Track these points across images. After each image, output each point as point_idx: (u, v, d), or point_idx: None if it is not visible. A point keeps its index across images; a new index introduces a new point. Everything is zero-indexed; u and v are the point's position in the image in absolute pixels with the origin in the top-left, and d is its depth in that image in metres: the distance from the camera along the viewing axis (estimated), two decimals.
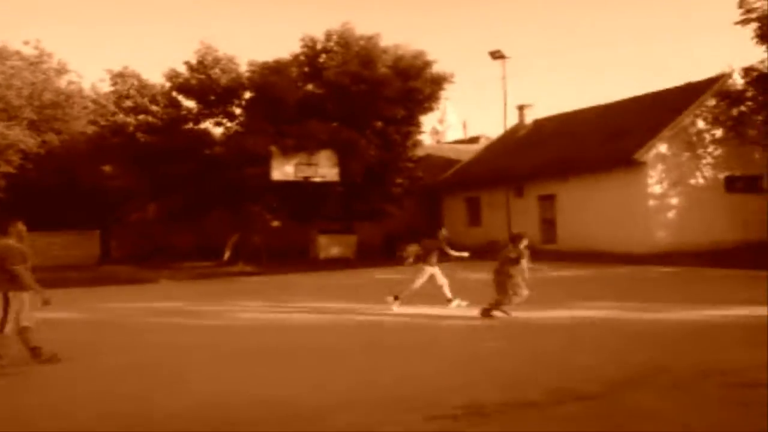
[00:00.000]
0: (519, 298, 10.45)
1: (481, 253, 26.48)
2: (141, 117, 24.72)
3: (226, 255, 24.55)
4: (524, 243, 10.95)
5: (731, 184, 24.15)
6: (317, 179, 24.12)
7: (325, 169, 24.11)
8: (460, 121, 66.34)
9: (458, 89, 71.95)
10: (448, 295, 11.90)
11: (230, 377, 6.98)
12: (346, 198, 25.90)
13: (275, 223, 24.72)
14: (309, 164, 23.91)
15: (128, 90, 25.45)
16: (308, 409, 5.63)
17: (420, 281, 12.00)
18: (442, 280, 12.05)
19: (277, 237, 25.19)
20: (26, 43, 30.42)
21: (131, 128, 24.44)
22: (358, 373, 7.03)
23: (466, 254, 12.59)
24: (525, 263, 10.82)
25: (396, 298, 11.80)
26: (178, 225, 26.04)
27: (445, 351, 8.19)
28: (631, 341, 8.27)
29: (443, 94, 27.53)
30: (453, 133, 63.06)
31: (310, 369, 7.29)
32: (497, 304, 10.53)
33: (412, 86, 25.60)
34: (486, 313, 10.55)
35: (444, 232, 13.01)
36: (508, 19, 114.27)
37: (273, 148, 23.25)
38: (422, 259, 12.27)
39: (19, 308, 7.22)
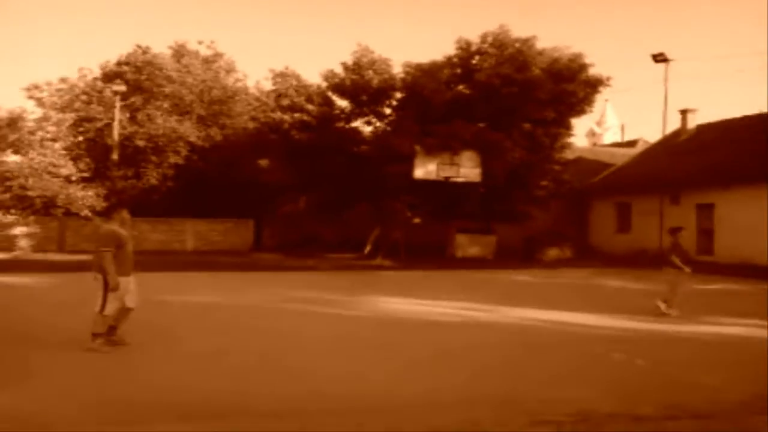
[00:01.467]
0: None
1: (629, 261, 25.52)
2: (297, 115, 25.98)
3: (367, 248, 25.37)
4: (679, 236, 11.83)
5: None
6: (459, 179, 24.20)
7: (467, 169, 24.14)
8: (619, 123, 63.56)
9: (619, 92, 68.78)
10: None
11: (335, 368, 7.22)
12: (487, 198, 25.75)
13: (416, 220, 25.09)
14: (451, 164, 24.05)
15: (287, 89, 26.81)
16: (403, 404, 5.81)
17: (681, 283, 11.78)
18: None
19: (417, 234, 25.59)
20: (200, 42, 33.24)
21: (287, 125, 25.76)
22: (467, 372, 7.09)
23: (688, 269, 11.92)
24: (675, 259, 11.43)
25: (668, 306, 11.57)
26: (325, 218, 27.18)
27: (565, 357, 8.03)
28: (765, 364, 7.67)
29: (601, 96, 26.58)
30: (611, 135, 60.76)
31: (418, 364, 7.45)
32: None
33: (566, 89, 24.92)
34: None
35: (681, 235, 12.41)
36: (673, 22, 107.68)
37: (417, 147, 23.63)
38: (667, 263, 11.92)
39: (116, 290, 7.46)
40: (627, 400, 5.87)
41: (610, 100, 61.65)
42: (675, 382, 6.62)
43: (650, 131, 76.54)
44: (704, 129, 30.61)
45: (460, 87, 25.99)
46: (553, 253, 25.92)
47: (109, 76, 30.11)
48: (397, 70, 25.97)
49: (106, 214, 8.79)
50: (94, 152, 28.33)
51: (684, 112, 31.80)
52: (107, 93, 28.52)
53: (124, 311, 7.75)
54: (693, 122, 31.45)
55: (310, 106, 26.17)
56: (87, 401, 5.65)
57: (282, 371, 6.93)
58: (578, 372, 7.21)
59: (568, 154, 28.75)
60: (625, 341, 9.15)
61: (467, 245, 25.32)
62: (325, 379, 6.61)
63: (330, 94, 26.90)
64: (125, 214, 7.97)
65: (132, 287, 7.81)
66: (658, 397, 5.91)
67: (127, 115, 28.62)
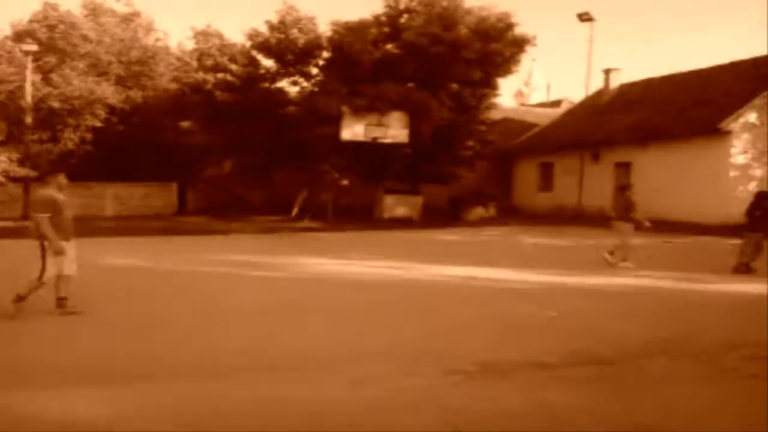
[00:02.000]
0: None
1: (550, 218, 26.31)
2: (220, 75, 25.34)
3: (295, 211, 25.24)
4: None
5: None
6: (387, 140, 24.20)
7: (395, 130, 24.12)
8: (546, 84, 64.63)
9: (545, 51, 69.73)
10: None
11: (238, 330, 7.17)
12: (414, 159, 25.90)
13: (343, 182, 25.04)
14: (379, 125, 23.97)
15: (210, 48, 26.08)
16: (321, 359, 5.86)
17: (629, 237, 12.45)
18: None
19: (345, 195, 25.58)
20: (117, 0, 31.83)
21: (210, 86, 25.12)
22: (391, 328, 7.21)
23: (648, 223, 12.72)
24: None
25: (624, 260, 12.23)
26: (251, 181, 26.80)
27: (478, 310, 8.25)
28: (671, 311, 8.12)
29: (528, 56, 26.87)
30: (538, 95, 61.70)
31: (341, 322, 7.53)
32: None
33: (493, 48, 25.05)
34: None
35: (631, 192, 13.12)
36: None
37: (344, 108, 23.45)
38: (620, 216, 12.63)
39: (61, 254, 7.31)
40: (533, 349, 6.08)
41: (537, 60, 62.48)
42: (581, 332, 6.87)
43: (575, 91, 78.28)
44: (626, 88, 31.43)
45: (389, 46, 25.82)
46: (477, 212, 26.41)
47: (20, 35, 28.55)
48: (324, 28, 25.66)
49: (41, 179, 8.44)
50: (7, 115, 26.93)
51: (607, 72, 32.52)
52: (18, 53, 27.04)
53: (65, 279, 7.52)
54: (616, 82, 32.24)
55: (233, 66, 25.56)
56: None
57: (203, 333, 6.85)
58: (489, 323, 7.43)
59: (495, 115, 29.13)
60: (537, 294, 9.47)
61: (394, 206, 25.47)
62: (247, 339, 6.59)
63: (254, 53, 26.33)
64: (62, 178, 7.71)
65: (71, 253, 7.55)
66: (563, 346, 6.13)
67: (40, 76, 27.25)
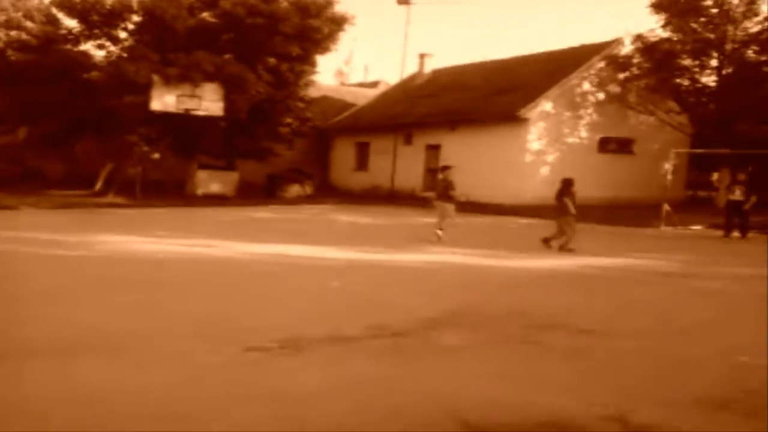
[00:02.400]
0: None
1: (365, 197, 27.02)
2: (14, 33, 23.06)
3: (98, 185, 23.54)
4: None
5: (604, 145, 25.38)
6: (200, 112, 23.30)
7: (209, 102, 23.27)
8: (364, 64, 65.92)
9: (366, 32, 71.07)
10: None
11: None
12: (229, 134, 25.29)
13: (154, 156, 23.76)
14: (192, 96, 23.00)
15: (1, 2, 23.60)
16: (114, 340, 5.57)
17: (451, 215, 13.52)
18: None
19: (155, 170, 24.27)
20: None
21: (2, 45, 22.77)
22: (185, 305, 7.00)
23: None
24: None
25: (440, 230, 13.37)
26: (49, 151, 24.68)
27: (286, 287, 8.27)
28: (463, 285, 8.67)
29: (347, 35, 27.08)
30: (357, 75, 62.81)
31: (136, 300, 7.20)
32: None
33: (312, 24, 24.93)
34: None
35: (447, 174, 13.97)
36: None
37: (155, 77, 22.23)
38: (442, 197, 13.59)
39: None
40: (337, 323, 6.21)
41: (358, 40, 63.48)
42: (381, 305, 7.14)
43: (392, 73, 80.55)
44: (439, 73, 32.92)
45: (205, 14, 24.82)
46: (294, 190, 26.42)
47: None
48: None
49: None
50: None
51: (422, 56, 33.82)
52: None
53: None
54: (430, 66, 33.64)
55: (29, 24, 23.32)
56: None
57: None
58: (295, 300, 7.47)
59: (313, 92, 29.15)
60: (345, 270, 9.69)
61: (209, 182, 24.66)
62: (33, 320, 6.07)
63: (55, 11, 24.19)
64: None
65: None
66: (365, 320, 6.31)
67: None
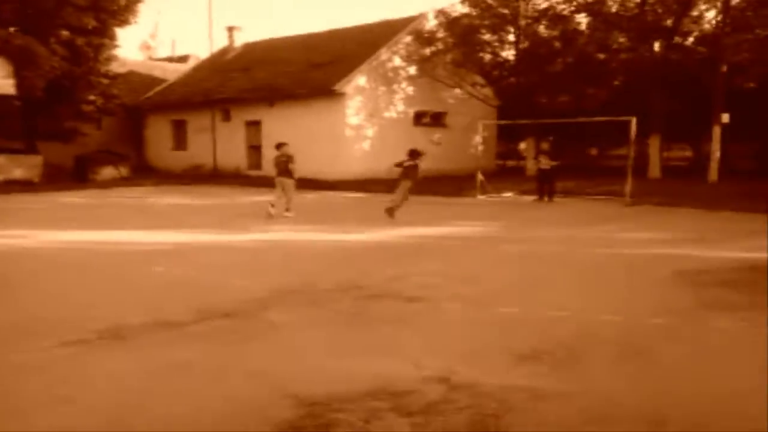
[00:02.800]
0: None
1: (187, 177, 26.01)
2: None
3: None
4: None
5: (419, 119, 26.41)
6: None
7: None
8: (172, 38, 63.05)
9: (170, 4, 67.75)
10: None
11: None
12: (27, 114, 23.11)
13: None
14: None
15: None
16: None
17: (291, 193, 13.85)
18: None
19: None
20: None
21: None
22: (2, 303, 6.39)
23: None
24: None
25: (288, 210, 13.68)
26: None
27: (107, 275, 7.79)
28: (292, 262, 8.67)
29: (148, 7, 25.65)
30: (165, 50, 59.91)
31: None
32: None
33: None
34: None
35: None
36: None
37: None
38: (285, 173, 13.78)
39: None
40: (160, 309, 5.96)
41: (163, 13, 60.46)
42: (210, 288, 6.96)
43: (201, 47, 77.46)
44: (250, 47, 32.25)
45: None
46: (108, 172, 24.74)
47: None
48: None
49: None
50: None
51: (230, 30, 32.90)
52: None
53: None
54: (240, 40, 32.82)
55: None
56: None
57: None
58: (116, 287, 7.07)
59: (118, 68, 27.41)
60: (169, 253, 9.30)
61: (9, 168, 22.31)
62: None
63: None
64: None
65: None
66: (192, 303, 6.13)
67: None
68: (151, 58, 48.82)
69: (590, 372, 4.38)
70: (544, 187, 16.98)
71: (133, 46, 59.17)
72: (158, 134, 31.27)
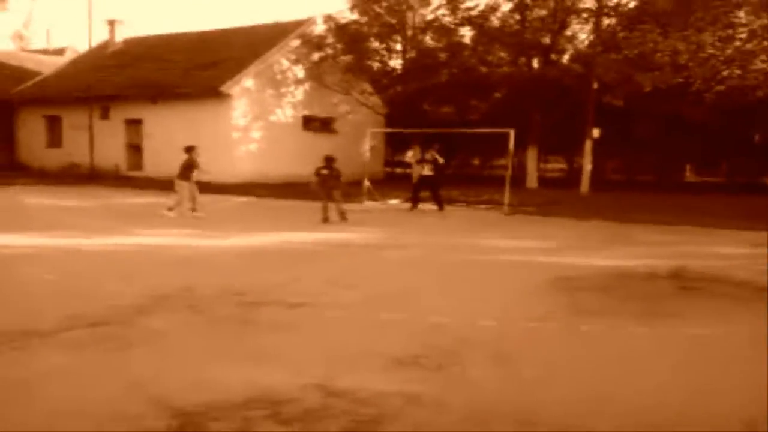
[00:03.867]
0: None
1: (62, 176, 24.61)
2: None
3: None
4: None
5: (308, 123, 26.36)
6: None
7: None
8: (46, 28, 59.60)
9: None
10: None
11: None
12: None
13: None
14: None
15: None
16: None
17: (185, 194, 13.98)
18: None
19: None
20: None
21: None
22: None
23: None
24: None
25: (170, 209, 13.81)
26: None
27: None
28: (171, 267, 8.41)
29: None
30: (39, 41, 56.53)
31: None
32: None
33: None
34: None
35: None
36: None
37: None
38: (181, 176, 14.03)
39: None
40: (27, 316, 5.64)
41: (37, 0, 57.11)
42: (80, 294, 6.62)
43: (80, 40, 73.11)
44: (133, 43, 31.01)
45: None
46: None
47: None
48: None
49: None
50: None
51: (111, 23, 31.52)
52: None
53: None
54: (121, 35, 31.49)
55: None
56: None
57: None
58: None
59: None
60: (39, 258, 8.81)
61: None
62: None
63: None
64: None
65: None
66: (60, 310, 5.82)
67: None
68: (23, 49, 45.88)
69: (464, 376, 4.54)
70: (419, 195, 17.06)
71: (3, 36, 55.29)
72: (31, 130, 29.42)
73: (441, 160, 17.08)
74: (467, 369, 4.67)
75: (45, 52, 41.76)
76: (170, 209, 13.81)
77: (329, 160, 14.06)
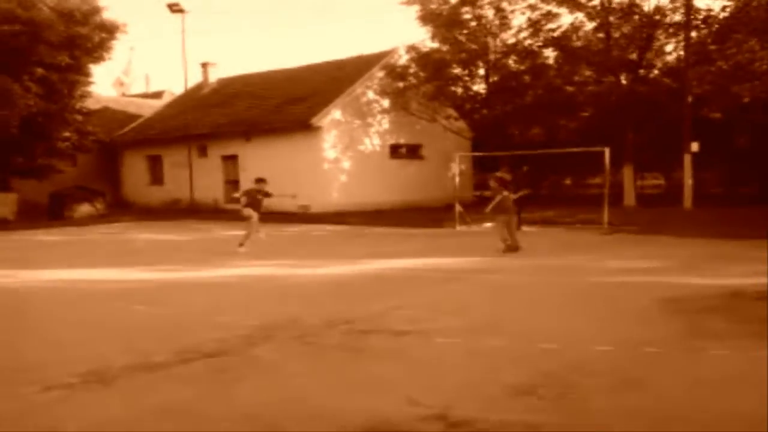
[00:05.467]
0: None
1: (164, 212, 25.80)
2: None
3: None
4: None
5: (395, 151, 26.58)
6: None
7: None
8: (145, 74, 62.99)
9: (143, 41, 67.75)
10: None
11: None
12: (2, 152, 22.84)
13: None
14: None
15: None
16: None
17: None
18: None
19: None
20: None
21: None
22: None
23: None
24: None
25: (241, 245, 13.32)
26: None
27: (86, 315, 7.64)
28: (276, 297, 8.56)
29: (124, 44, 25.83)
30: (138, 86, 59.80)
31: None
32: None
33: (79, 32, 23.41)
34: None
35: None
36: None
37: None
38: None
39: None
40: (142, 351, 5.81)
41: (136, 49, 60.55)
42: (191, 327, 6.82)
43: (175, 83, 77.15)
44: (225, 83, 32.34)
45: None
46: (84, 209, 24.50)
47: None
48: None
49: None
50: None
51: (204, 66, 33.01)
52: None
53: None
54: (214, 76, 32.92)
55: None
56: None
57: None
58: (96, 328, 6.92)
59: (91, 104, 27.34)
60: (149, 292, 9.16)
61: None
62: None
63: None
64: None
65: None
66: (172, 344, 5.98)
67: None
68: (124, 95, 48.68)
69: (587, 405, 4.37)
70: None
71: (107, 83, 58.95)
72: (134, 170, 31.08)
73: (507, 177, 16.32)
74: (590, 397, 4.49)
75: (144, 96, 44.16)
76: (241, 245, 13.35)
77: (260, 182, 13.79)
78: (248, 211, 13.43)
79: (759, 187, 27.49)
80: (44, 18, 22.14)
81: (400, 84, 25.21)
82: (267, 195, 13.86)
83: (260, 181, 13.98)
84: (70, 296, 8.92)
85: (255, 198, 13.62)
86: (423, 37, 26.06)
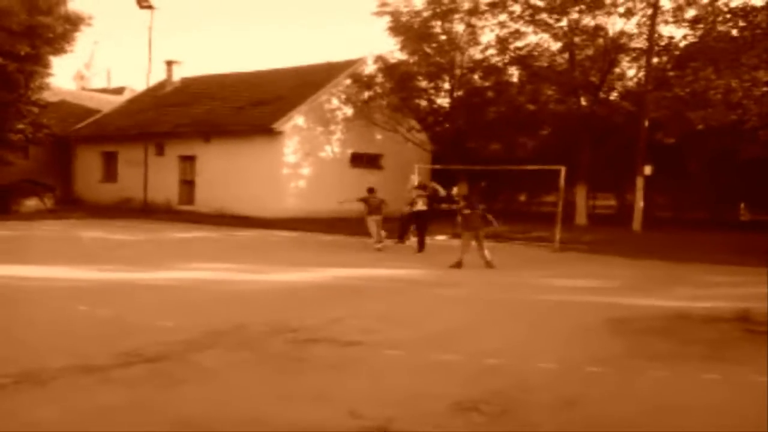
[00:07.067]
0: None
1: (115, 211, 25.25)
2: None
3: None
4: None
5: (356, 160, 26.56)
6: None
7: None
8: (107, 68, 61.92)
9: (107, 35, 66.64)
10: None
11: None
12: None
13: None
14: None
15: None
16: None
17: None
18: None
19: None
20: None
21: None
22: None
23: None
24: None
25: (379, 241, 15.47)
26: None
27: (26, 314, 7.42)
28: (222, 302, 8.45)
29: (88, 37, 25.25)
30: (100, 80, 58.76)
31: None
32: None
33: (41, 21, 22.78)
34: None
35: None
36: None
37: None
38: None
39: None
40: (82, 352, 5.67)
41: (99, 43, 59.52)
42: (136, 329, 6.67)
43: (138, 79, 76.06)
44: (189, 82, 31.88)
45: None
46: (31, 203, 23.84)
47: None
48: None
49: None
50: None
51: (169, 63, 32.51)
52: None
53: None
54: (179, 74, 32.45)
55: None
56: None
57: None
58: (36, 327, 6.73)
59: (49, 96, 26.65)
60: (94, 292, 8.95)
61: None
62: None
63: None
64: None
65: None
66: (114, 347, 5.85)
67: None
68: (84, 89, 47.73)
69: (527, 421, 4.40)
70: (407, 228, 16.75)
71: (67, 75, 57.66)
72: (88, 166, 30.34)
73: (442, 192, 16.63)
74: (530, 414, 4.53)
75: (105, 91, 43.31)
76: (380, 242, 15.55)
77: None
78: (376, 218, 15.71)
79: (708, 213, 28.27)
80: (4, 5, 21.51)
81: (366, 94, 25.24)
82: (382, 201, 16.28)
83: (372, 190, 16.37)
84: (9, 293, 8.64)
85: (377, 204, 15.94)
86: (392, 48, 26.20)
